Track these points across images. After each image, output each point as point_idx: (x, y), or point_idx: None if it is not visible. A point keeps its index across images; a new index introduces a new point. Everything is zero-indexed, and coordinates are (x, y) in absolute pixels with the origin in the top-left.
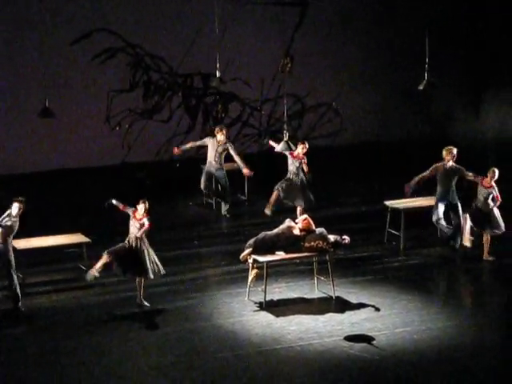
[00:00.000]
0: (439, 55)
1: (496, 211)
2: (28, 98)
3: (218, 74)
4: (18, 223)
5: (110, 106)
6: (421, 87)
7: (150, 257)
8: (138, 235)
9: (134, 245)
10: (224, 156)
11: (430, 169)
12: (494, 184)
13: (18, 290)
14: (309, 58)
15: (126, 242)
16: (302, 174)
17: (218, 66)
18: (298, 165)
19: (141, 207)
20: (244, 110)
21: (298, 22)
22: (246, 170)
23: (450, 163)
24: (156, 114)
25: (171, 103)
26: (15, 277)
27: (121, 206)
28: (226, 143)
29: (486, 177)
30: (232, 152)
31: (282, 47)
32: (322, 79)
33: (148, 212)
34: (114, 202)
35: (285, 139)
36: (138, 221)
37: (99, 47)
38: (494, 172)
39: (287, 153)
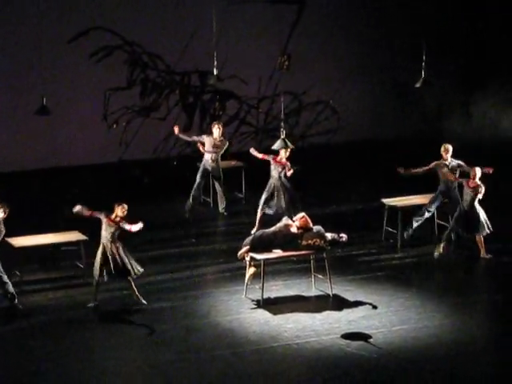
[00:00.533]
0: (436, 53)
1: (482, 213)
2: (25, 96)
3: (215, 72)
4: (3, 228)
5: (107, 104)
6: (417, 85)
7: (128, 257)
8: (134, 230)
9: (109, 248)
10: (220, 153)
11: (430, 165)
12: (479, 182)
13: (12, 288)
14: (306, 55)
15: (101, 248)
16: (283, 179)
17: (215, 63)
18: (280, 170)
19: (119, 210)
20: (241, 107)
21: (295, 20)
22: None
23: (449, 159)
24: (153, 112)
25: (168, 101)
26: (5, 276)
27: (87, 213)
28: (222, 140)
29: (469, 178)
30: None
31: (279, 45)
32: (319, 77)
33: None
34: (77, 209)
35: (282, 137)
36: (115, 224)
37: (96, 45)
38: (475, 171)
39: (270, 157)
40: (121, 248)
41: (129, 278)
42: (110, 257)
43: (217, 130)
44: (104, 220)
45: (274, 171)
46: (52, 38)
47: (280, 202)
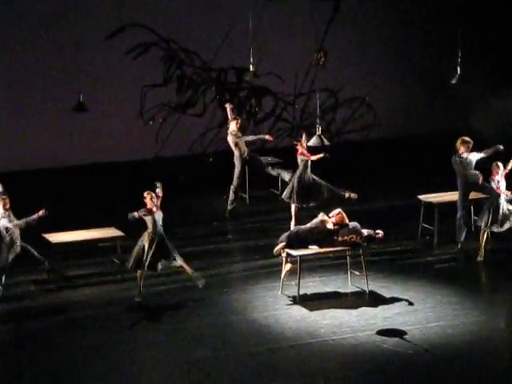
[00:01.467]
0: (472, 49)
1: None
2: (62, 93)
3: (251, 68)
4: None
5: (143, 101)
6: (453, 81)
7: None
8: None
9: (157, 239)
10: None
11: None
12: (499, 178)
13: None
14: (342, 52)
15: (147, 239)
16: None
17: (251, 60)
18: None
19: (149, 198)
20: (277, 104)
21: (331, 16)
22: (267, 136)
23: (465, 154)
24: (189, 109)
25: (205, 97)
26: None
27: (137, 215)
28: (239, 136)
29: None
30: (247, 138)
31: (315, 41)
32: (355, 73)
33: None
34: (133, 215)
35: (317, 133)
36: (156, 210)
37: (133, 42)
38: (497, 166)
39: (303, 153)
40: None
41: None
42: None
43: (235, 126)
44: (146, 213)
45: (301, 163)
46: (89, 35)
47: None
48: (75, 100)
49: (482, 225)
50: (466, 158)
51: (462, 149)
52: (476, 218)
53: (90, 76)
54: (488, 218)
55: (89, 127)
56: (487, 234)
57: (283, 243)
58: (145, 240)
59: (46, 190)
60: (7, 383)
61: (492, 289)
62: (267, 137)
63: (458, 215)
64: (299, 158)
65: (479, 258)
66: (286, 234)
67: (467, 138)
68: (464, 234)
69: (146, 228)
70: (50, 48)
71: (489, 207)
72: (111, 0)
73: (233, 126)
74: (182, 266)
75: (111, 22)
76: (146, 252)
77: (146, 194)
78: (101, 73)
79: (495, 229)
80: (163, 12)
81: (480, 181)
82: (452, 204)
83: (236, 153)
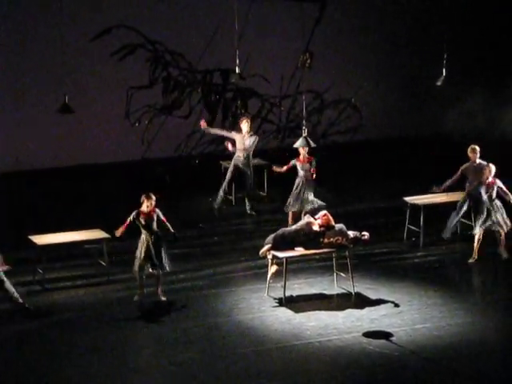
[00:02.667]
0: (457, 50)
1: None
2: (47, 94)
3: (237, 70)
4: None
5: (129, 102)
6: (438, 83)
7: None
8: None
9: (152, 240)
10: (253, 150)
11: (458, 172)
12: (494, 180)
13: (17, 295)
14: (328, 53)
15: (144, 241)
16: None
17: (237, 62)
18: (308, 167)
19: (147, 202)
20: (263, 105)
21: (317, 18)
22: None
23: (478, 161)
24: (175, 110)
25: (190, 99)
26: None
27: (126, 223)
28: (252, 135)
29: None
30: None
31: (301, 43)
32: (341, 75)
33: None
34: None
35: (303, 135)
36: (150, 215)
37: (118, 43)
38: (489, 168)
39: (293, 161)
40: (160, 240)
41: (160, 271)
42: (152, 250)
43: (245, 125)
44: (136, 217)
45: (302, 171)
46: (74, 37)
47: (308, 198)
48: (60, 102)
49: (477, 228)
50: (478, 165)
51: (472, 156)
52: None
53: (75, 78)
54: (480, 220)
55: (74, 129)
56: (479, 237)
57: (269, 245)
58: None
59: (32, 191)
60: None
61: (478, 290)
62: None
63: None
64: (304, 164)
65: (471, 260)
66: (272, 235)
67: (475, 146)
68: (450, 231)
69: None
70: (34, 49)
71: (481, 212)
72: (97, 1)
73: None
74: (156, 277)
75: (97, 23)
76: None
77: (144, 198)
78: (86, 74)
79: (488, 224)
80: (149, 13)
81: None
82: (438, 206)
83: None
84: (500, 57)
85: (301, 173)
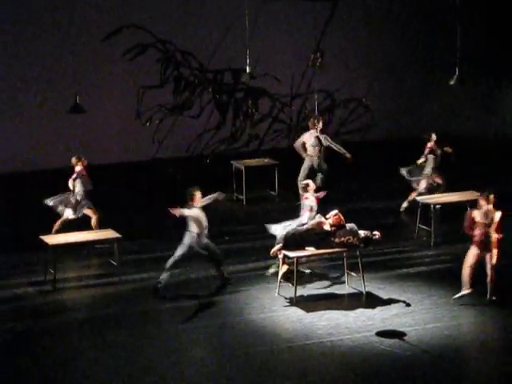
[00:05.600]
0: (471, 49)
1: None
2: (59, 94)
3: (248, 70)
4: None
5: (140, 102)
6: (452, 83)
7: None
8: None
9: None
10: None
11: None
12: None
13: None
14: (339, 53)
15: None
16: None
17: (248, 61)
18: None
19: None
20: (274, 105)
21: (328, 17)
22: (348, 155)
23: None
24: (186, 110)
25: (201, 99)
26: None
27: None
28: (318, 134)
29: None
30: (328, 142)
31: (312, 42)
32: (352, 74)
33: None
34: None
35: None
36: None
37: (129, 43)
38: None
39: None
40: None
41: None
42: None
43: (319, 125)
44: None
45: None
46: (85, 37)
47: None
48: (72, 102)
49: None
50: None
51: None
52: None
53: (86, 77)
54: None
55: (85, 129)
56: None
57: (280, 244)
58: None
59: (44, 191)
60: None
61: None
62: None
63: None
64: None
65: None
66: (283, 235)
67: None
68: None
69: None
70: (46, 49)
71: None
72: (108, 1)
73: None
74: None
75: (108, 23)
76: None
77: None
78: (97, 74)
79: None
80: (160, 13)
81: None
82: (449, 205)
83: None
84: None
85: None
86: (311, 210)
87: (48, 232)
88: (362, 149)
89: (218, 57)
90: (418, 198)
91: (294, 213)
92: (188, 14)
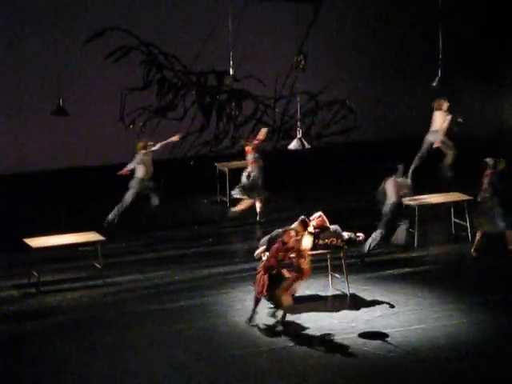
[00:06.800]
0: (453, 50)
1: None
2: (42, 97)
3: (231, 72)
4: None
5: (123, 105)
6: (434, 84)
7: None
8: None
9: None
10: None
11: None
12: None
13: None
14: (322, 55)
15: None
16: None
17: (231, 63)
18: None
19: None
20: (258, 107)
21: (311, 19)
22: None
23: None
24: (170, 112)
25: (185, 101)
26: None
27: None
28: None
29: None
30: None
31: (295, 44)
32: (335, 76)
33: None
34: None
35: (298, 136)
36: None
37: (112, 46)
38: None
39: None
40: None
41: None
42: None
43: (445, 105)
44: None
45: None
46: (68, 39)
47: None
48: (55, 104)
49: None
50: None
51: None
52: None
53: (69, 80)
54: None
55: (69, 131)
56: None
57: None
58: None
59: (26, 194)
60: None
61: (473, 291)
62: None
63: None
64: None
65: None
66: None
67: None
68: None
69: None
70: (28, 51)
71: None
72: (90, 3)
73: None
74: None
75: (90, 25)
76: None
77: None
78: (80, 77)
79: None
80: (143, 16)
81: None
82: (432, 207)
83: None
84: (495, 56)
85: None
86: None
87: (34, 234)
88: (346, 151)
89: (202, 59)
90: (402, 200)
91: (280, 214)
92: (171, 16)
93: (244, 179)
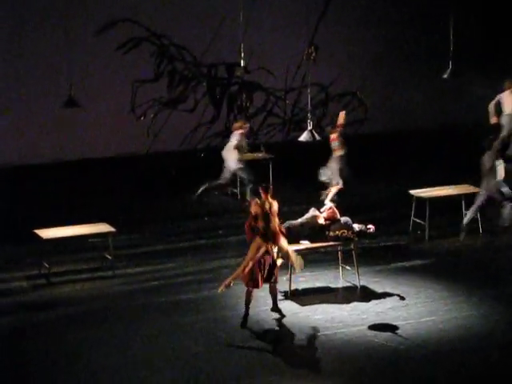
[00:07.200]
0: (464, 42)
1: None
2: (53, 89)
3: (242, 64)
4: None
5: (134, 96)
6: (445, 76)
7: None
8: None
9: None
10: None
11: None
12: None
13: None
14: (333, 46)
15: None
16: None
17: (242, 55)
18: None
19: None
20: (268, 99)
21: (322, 11)
22: None
23: None
24: (181, 104)
25: (196, 93)
26: None
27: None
28: None
29: None
30: None
31: (306, 36)
32: (346, 68)
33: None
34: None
35: (309, 128)
36: None
37: (124, 37)
38: None
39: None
40: None
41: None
42: None
43: None
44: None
45: None
46: (80, 31)
47: None
48: (66, 96)
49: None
50: None
51: None
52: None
53: (80, 71)
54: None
55: (80, 123)
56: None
57: None
58: None
59: (37, 185)
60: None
61: (484, 283)
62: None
63: None
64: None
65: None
66: None
67: None
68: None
69: None
70: (40, 44)
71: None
72: None
73: None
74: None
75: (102, 17)
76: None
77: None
78: (92, 68)
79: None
80: (154, 7)
81: None
82: (443, 199)
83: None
84: (506, 46)
85: None
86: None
87: (44, 225)
88: (356, 142)
89: (213, 51)
90: (413, 192)
91: (289, 206)
92: (182, 7)
93: (331, 165)
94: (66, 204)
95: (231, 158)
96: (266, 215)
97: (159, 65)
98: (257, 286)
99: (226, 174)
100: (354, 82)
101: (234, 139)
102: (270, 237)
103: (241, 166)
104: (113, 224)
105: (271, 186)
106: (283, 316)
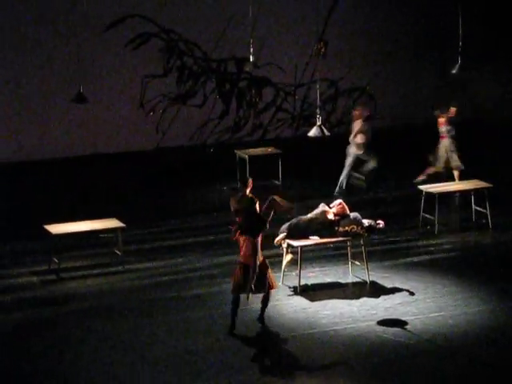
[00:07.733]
0: (473, 36)
1: None
2: (62, 84)
3: (251, 59)
4: None
5: (143, 92)
6: (454, 71)
7: None
8: None
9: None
10: None
11: None
12: None
13: None
14: (343, 42)
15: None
16: None
17: (251, 50)
18: None
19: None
20: (278, 94)
21: (331, 6)
22: None
23: None
24: (190, 99)
25: (205, 88)
26: None
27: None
28: None
29: None
30: None
31: (315, 31)
32: (355, 63)
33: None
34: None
35: (318, 123)
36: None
37: (132, 33)
38: None
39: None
40: None
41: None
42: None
43: None
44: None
45: None
46: (88, 26)
47: None
48: (75, 91)
49: None
50: None
51: None
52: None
53: (90, 67)
54: None
55: (89, 118)
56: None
57: (284, 234)
58: None
59: (46, 181)
60: (7, 373)
61: (493, 279)
62: None
63: None
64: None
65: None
66: (287, 224)
67: None
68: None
69: None
70: (49, 39)
71: None
72: None
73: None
74: None
75: (111, 12)
76: None
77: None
78: (101, 64)
79: None
80: (163, 2)
81: None
82: (453, 194)
83: None
84: None
85: None
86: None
87: (54, 221)
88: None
89: (222, 46)
90: (422, 187)
91: (297, 202)
92: (191, 2)
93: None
94: (75, 200)
95: (354, 145)
96: (246, 210)
97: (168, 60)
98: (242, 292)
99: (365, 158)
100: (364, 76)
101: (356, 129)
102: (254, 231)
103: (362, 151)
104: (122, 219)
105: (250, 180)
106: (264, 325)
